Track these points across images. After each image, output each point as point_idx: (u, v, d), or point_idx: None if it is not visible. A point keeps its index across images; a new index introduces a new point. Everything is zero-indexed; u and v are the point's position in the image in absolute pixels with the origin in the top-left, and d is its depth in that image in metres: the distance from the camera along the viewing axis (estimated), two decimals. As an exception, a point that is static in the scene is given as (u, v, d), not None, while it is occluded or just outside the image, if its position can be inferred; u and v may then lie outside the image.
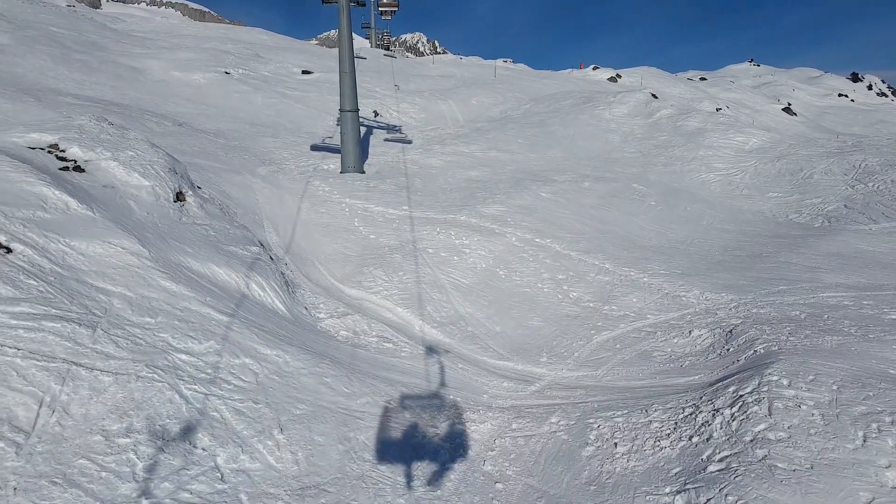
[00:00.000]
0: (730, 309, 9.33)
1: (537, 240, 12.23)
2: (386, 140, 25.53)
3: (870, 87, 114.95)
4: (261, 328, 7.47)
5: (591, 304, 9.91)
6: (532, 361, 8.42)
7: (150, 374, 5.67)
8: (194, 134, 17.62)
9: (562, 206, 14.44)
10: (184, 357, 6.14)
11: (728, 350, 7.92)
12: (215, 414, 5.68)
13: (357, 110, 16.97)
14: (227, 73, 26.27)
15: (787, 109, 74.00)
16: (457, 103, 33.18)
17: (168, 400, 5.51)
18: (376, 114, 28.51)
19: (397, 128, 27.28)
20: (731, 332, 8.45)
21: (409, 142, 29.25)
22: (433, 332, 9.11)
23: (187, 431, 5.35)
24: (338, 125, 17.61)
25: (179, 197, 9.63)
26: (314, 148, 17.22)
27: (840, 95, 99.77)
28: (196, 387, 5.85)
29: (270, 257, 10.31)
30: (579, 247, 12.08)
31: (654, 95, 25.72)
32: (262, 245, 10.15)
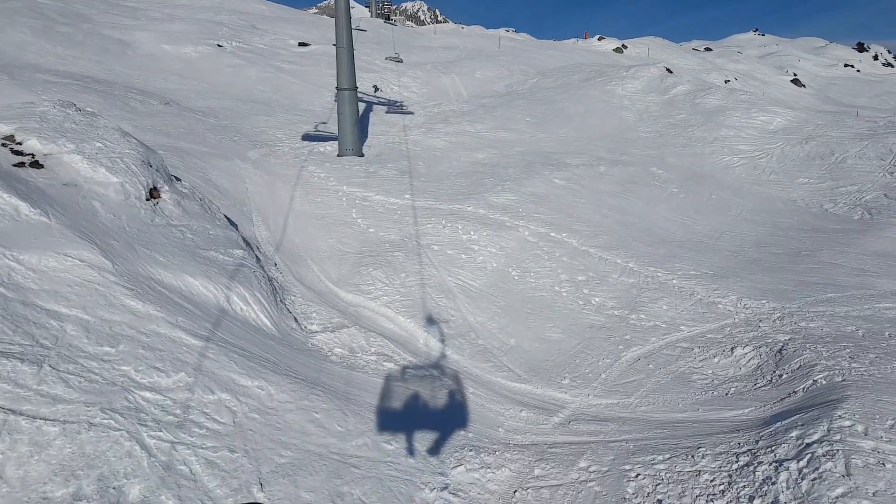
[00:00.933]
0: (774, 321, 8.19)
1: (552, 234, 11.04)
2: (388, 113, 24.12)
3: (875, 58, 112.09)
4: (241, 352, 6.36)
5: (616, 312, 8.78)
6: (553, 384, 7.33)
7: (105, 421, 4.57)
8: (182, 113, 16.28)
9: (577, 193, 13.20)
10: (148, 395, 5.03)
11: (780, 376, 6.82)
12: (183, 468, 4.60)
13: (355, 88, 15.60)
14: (219, 45, 24.69)
15: (796, 81, 71.86)
16: (460, 77, 31.58)
17: (126, 453, 4.42)
18: (376, 88, 27.01)
19: (398, 103, 25.80)
20: (780, 351, 7.33)
21: (411, 113, 27.89)
22: (440, 346, 8.01)
23: (148, 494, 4.30)
24: (335, 101, 16.27)
25: (153, 194, 8.42)
26: (306, 137, 15.83)
27: (846, 66, 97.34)
28: (161, 433, 4.75)
29: (258, 258, 9.15)
30: (599, 242, 10.90)
31: (668, 70, 24.16)
32: (247, 245, 8.98)
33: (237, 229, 10.12)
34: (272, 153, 14.90)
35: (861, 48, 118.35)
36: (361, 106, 24.07)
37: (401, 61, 38.71)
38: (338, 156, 15.71)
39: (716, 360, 7.53)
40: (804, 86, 69.98)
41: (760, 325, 8.17)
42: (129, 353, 5.36)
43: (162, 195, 8.56)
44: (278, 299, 8.17)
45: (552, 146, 17.50)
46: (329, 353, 7.43)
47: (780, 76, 74.22)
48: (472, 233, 10.82)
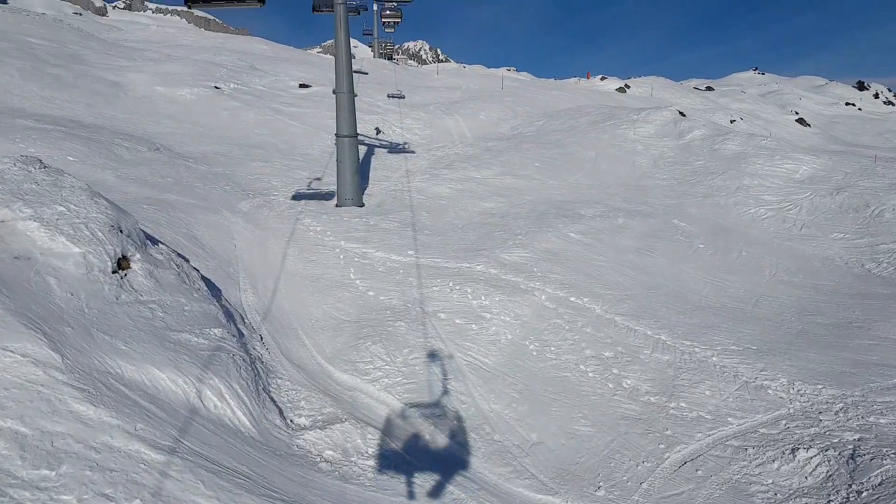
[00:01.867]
0: (836, 413, 7.09)
1: (572, 298, 10.02)
2: (390, 153, 23.39)
3: (876, 96, 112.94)
4: (212, 466, 5.25)
5: (652, 399, 7.68)
6: (586, 496, 6.19)
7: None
8: (171, 161, 15.48)
9: (595, 250, 12.23)
10: (89, 539, 3.94)
11: (859, 494, 5.69)
12: None
13: (356, 135, 14.83)
14: (217, 87, 24.16)
15: (801, 121, 72.00)
16: (464, 118, 31.08)
17: None
18: (378, 131, 26.42)
19: (401, 146, 25.17)
20: (852, 457, 6.21)
21: (413, 153, 27.35)
22: (449, 444, 6.89)
23: None
24: (335, 145, 15.45)
25: (122, 264, 7.43)
26: (298, 196, 14.69)
27: (847, 104, 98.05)
28: None
29: (240, 333, 8.12)
30: (625, 308, 9.86)
31: (681, 113, 23.52)
32: (229, 319, 7.95)
33: (220, 296, 9.12)
34: (266, 204, 14.01)
35: (861, 87, 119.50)
36: (362, 149, 23.40)
37: (403, 97, 38.50)
38: (336, 206, 14.83)
39: (775, 464, 6.40)
40: (809, 125, 70.12)
41: (821, 418, 7.06)
42: (72, 476, 4.25)
43: (132, 265, 7.57)
44: (261, 388, 7.09)
45: (564, 194, 16.63)
46: (318, 459, 6.31)
47: (785, 115, 74.51)
48: (482, 297, 9.80)
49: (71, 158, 13.33)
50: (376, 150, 23.43)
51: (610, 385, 7.93)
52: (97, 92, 20.40)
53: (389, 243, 12.38)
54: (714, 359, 8.49)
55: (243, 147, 19.62)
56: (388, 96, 34.32)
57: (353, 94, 14.57)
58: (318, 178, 14.88)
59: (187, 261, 9.97)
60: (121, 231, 7.83)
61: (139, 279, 7.50)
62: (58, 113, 17.44)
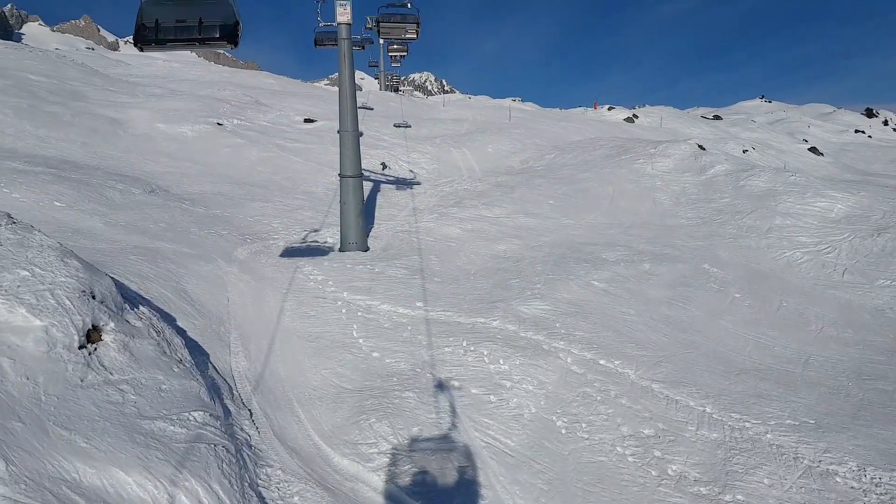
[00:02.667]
0: (927, 511, 6.01)
1: (602, 361, 9.02)
2: (396, 189, 22.70)
3: (885, 123, 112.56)
4: None
5: (703, 490, 6.62)
6: None
7: None
8: (166, 203, 14.73)
9: (623, 301, 11.26)
10: None
11: None
12: None
13: (360, 175, 14.05)
14: (219, 124, 23.66)
15: (814, 150, 71.43)
16: (472, 151, 30.47)
17: None
18: (384, 166, 25.77)
19: (408, 181, 24.49)
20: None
21: (419, 183, 26.71)
22: (468, 553, 5.86)
23: None
24: (339, 184, 14.65)
25: (92, 336, 6.53)
26: (289, 253, 13.07)
27: (857, 132, 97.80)
28: None
29: (226, 410, 7.17)
30: (662, 373, 8.84)
31: (700, 146, 22.73)
32: (214, 395, 7.00)
33: (207, 364, 8.20)
34: (264, 250, 13.18)
35: (870, 114, 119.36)
36: (367, 186, 22.70)
37: (409, 127, 38.19)
38: (339, 250, 13.98)
39: (864, 584, 5.32)
40: (822, 154, 69.48)
41: (909, 517, 5.99)
42: None
43: (103, 337, 6.66)
44: (246, 483, 6.09)
45: (582, 235, 15.73)
46: (312, 582, 5.30)
47: (797, 144, 73.97)
48: (500, 361, 8.82)
49: (58, 203, 12.61)
50: (382, 186, 22.72)
51: (653, 472, 6.88)
52: (95, 130, 19.87)
53: (396, 293, 11.46)
54: (769, 436, 7.44)
55: (244, 186, 18.93)
56: (395, 125, 34.60)
57: (357, 133, 13.84)
58: (316, 230, 13.94)
59: (174, 320, 9.10)
60: (93, 297, 6.94)
61: (111, 354, 6.58)
62: (51, 153, 16.84)
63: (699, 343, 10.22)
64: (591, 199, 18.83)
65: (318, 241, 14.52)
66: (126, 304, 7.68)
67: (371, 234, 15.77)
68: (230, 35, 6.48)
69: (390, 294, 11.39)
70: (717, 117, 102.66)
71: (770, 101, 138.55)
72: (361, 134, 14.32)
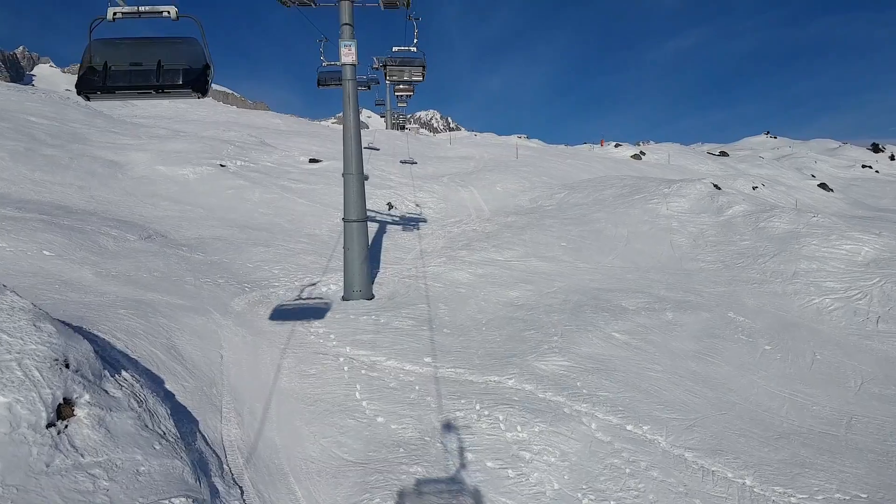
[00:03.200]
0: None
1: (629, 427, 8.26)
2: (403, 230, 22.23)
3: (892, 158, 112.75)
4: None
5: (756, 588, 5.79)
6: None
7: None
8: (162, 250, 14.23)
9: (647, 355, 10.53)
10: None
11: None
12: None
13: (365, 220, 13.54)
14: (222, 165, 23.40)
15: (823, 186, 71.17)
16: (479, 190, 30.12)
17: None
18: (390, 206, 25.37)
19: (414, 222, 24.05)
20: None
21: (424, 220, 26.31)
22: None
23: None
24: (343, 229, 14.10)
25: (63, 412, 5.88)
26: (279, 315, 11.61)
27: (863, 167, 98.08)
28: None
29: (213, 489, 6.45)
30: (695, 440, 8.06)
31: (716, 186, 22.21)
32: (199, 475, 6.29)
33: (195, 435, 7.50)
34: (263, 300, 12.58)
35: (876, 149, 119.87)
36: (373, 227, 22.23)
37: (415, 163, 38.11)
38: (343, 299, 13.37)
39: None
40: (832, 190, 69.14)
41: None
42: None
43: (76, 411, 6.01)
44: (231, 587, 5.35)
45: (598, 280, 15.07)
46: None
47: (806, 180, 73.77)
48: (518, 428, 8.07)
49: (47, 253, 12.11)
50: (388, 227, 22.25)
51: (697, 565, 6.07)
52: (93, 173, 19.58)
53: (403, 347, 10.78)
54: (823, 518, 6.62)
55: (245, 229, 18.46)
56: (401, 162, 34.62)
57: (362, 176, 13.39)
58: (313, 285, 13.13)
59: (162, 383, 8.44)
60: (66, 366, 6.31)
61: (83, 432, 5.91)
62: (46, 198, 16.47)
63: (732, 403, 9.43)
64: (606, 241, 18.22)
65: (320, 289, 13.92)
66: (106, 371, 7.03)
67: (376, 279, 15.19)
68: (197, 82, 5.22)
69: (396, 348, 10.71)
70: (723, 153, 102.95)
71: (775, 137, 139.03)
72: (367, 177, 13.87)
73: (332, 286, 14.24)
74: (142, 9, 4.91)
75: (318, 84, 13.91)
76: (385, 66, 13.11)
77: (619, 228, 19.03)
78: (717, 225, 18.80)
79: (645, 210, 20.42)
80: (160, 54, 5.10)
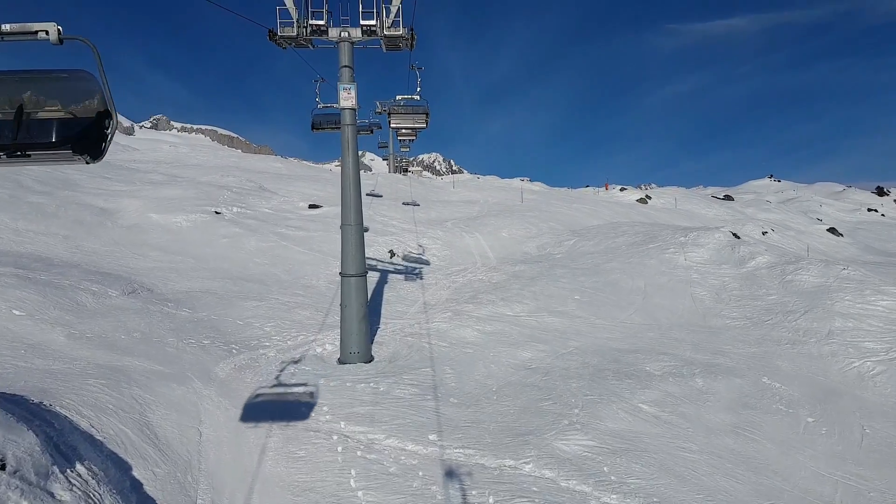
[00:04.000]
0: None
1: (667, 527, 7.12)
2: (405, 279, 21.33)
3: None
4: None
5: None
6: None
7: None
8: (145, 307, 13.30)
9: (680, 432, 9.42)
10: None
11: None
12: None
13: (364, 274, 12.64)
14: (217, 212, 22.70)
15: (833, 230, 70.58)
16: (485, 236, 29.32)
17: None
18: (392, 254, 24.51)
19: (417, 271, 23.17)
20: None
21: (428, 263, 25.36)
22: None
23: None
24: (340, 284, 13.13)
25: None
26: (278, 369, 11.08)
27: (869, 210, 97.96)
28: None
29: None
30: (747, 544, 6.92)
31: (735, 235, 21.34)
32: None
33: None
34: (250, 364, 11.57)
35: (881, 192, 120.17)
36: (374, 277, 21.33)
37: (417, 205, 37.67)
38: (339, 362, 12.35)
39: None
40: (841, 235, 68.50)
41: None
42: None
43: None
44: None
45: (617, 339, 14.03)
46: None
47: (815, 225, 73.26)
48: (540, 528, 6.95)
49: (17, 312, 11.19)
50: (390, 277, 21.35)
51: None
52: (80, 221, 18.84)
53: (404, 422, 9.70)
54: None
55: (238, 281, 17.56)
56: (403, 203, 34.39)
57: (361, 227, 12.55)
58: (296, 361, 11.91)
59: (129, 469, 7.40)
60: (2, 467, 5.32)
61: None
62: (27, 249, 15.66)
63: (778, 489, 8.29)
64: (622, 294, 17.24)
65: (314, 350, 12.92)
66: (55, 467, 6.00)
67: (376, 337, 14.19)
68: (84, 138, 3.30)
69: (397, 423, 9.63)
70: (727, 197, 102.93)
71: (779, 181, 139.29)
72: (366, 229, 13.04)
73: (327, 346, 13.24)
74: (5, 27, 3.15)
75: (313, 128, 13.16)
76: (389, 113, 13.09)
77: (636, 280, 18.08)
78: (740, 277, 17.84)
79: (662, 260, 19.52)
80: (26, 95, 3.26)
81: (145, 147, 58.51)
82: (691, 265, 19.03)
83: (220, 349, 12.00)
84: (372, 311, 16.68)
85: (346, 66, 11.41)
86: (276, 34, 11.01)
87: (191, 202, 22.93)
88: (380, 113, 46.63)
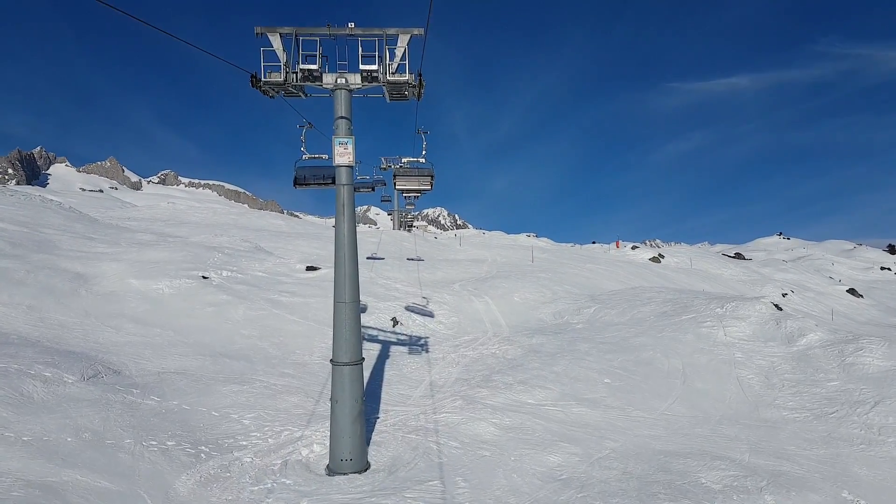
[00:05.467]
0: None
1: None
2: (409, 353, 19.41)
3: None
4: None
5: None
6: None
7: None
8: (104, 396, 11.41)
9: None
10: None
11: None
12: None
13: (360, 361, 10.76)
14: (204, 277, 21.02)
15: (852, 291, 68.62)
16: (495, 300, 27.45)
17: None
18: (395, 322, 22.64)
19: (423, 342, 21.27)
20: None
21: (431, 315, 23.47)
22: None
23: None
24: (331, 373, 11.25)
25: None
26: (251, 483, 9.29)
27: (882, 269, 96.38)
28: None
29: None
30: None
31: (776, 306, 19.40)
32: None
33: None
34: (220, 475, 9.57)
35: (892, 250, 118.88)
36: (374, 350, 19.42)
37: (422, 261, 36.14)
38: (327, 470, 10.32)
39: None
40: (861, 296, 66.51)
41: None
42: None
43: None
44: None
45: (661, 438, 11.97)
46: None
47: (834, 286, 71.45)
48: None
49: None
50: (392, 350, 19.43)
51: None
52: (50, 289, 17.16)
53: (408, 566, 7.65)
54: None
55: (220, 359, 15.68)
56: (408, 259, 33.50)
57: (357, 305, 10.76)
58: (301, 431, 9.67)
59: None
60: None
61: None
62: (-19, 322, 13.94)
63: None
64: (658, 376, 15.23)
65: (300, 453, 10.91)
66: None
67: (374, 434, 12.16)
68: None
69: (399, 567, 7.58)
70: (738, 255, 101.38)
71: (788, 238, 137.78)
72: (364, 309, 11.26)
73: (315, 447, 11.22)
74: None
75: (296, 184, 11.10)
76: (394, 175, 12.87)
77: (672, 360, 16.10)
78: (790, 358, 15.84)
79: (699, 335, 17.55)
80: None
81: (145, 203, 57.75)
82: (732, 342, 17.04)
83: (186, 453, 10.03)
84: (370, 396, 14.72)
85: (342, 118, 9.91)
86: (261, 80, 9.57)
87: (176, 266, 21.29)
88: (385, 169, 45.67)
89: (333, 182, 10.43)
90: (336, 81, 9.90)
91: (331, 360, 10.77)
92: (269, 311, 19.92)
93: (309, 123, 11.06)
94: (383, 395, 14.78)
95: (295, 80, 9.77)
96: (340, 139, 10.06)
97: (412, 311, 23.36)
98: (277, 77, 9.62)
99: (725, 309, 18.97)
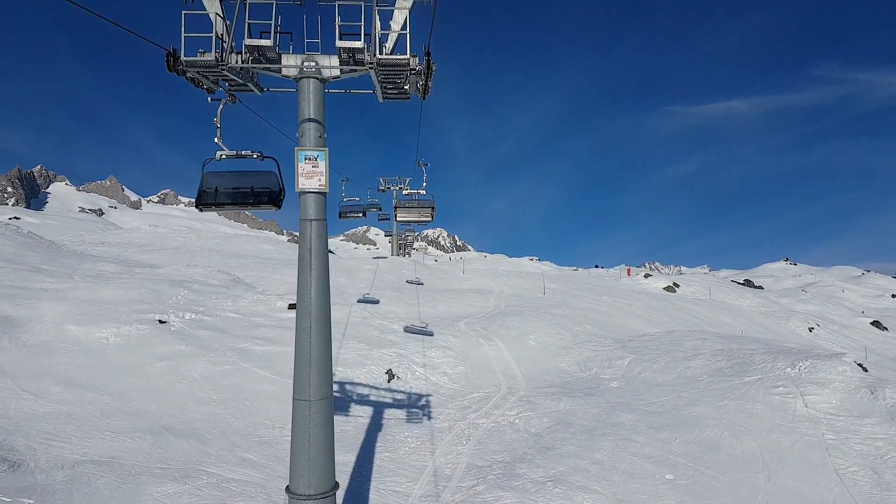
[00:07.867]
0: None
1: None
2: (407, 419, 15.94)
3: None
4: None
5: None
6: None
7: None
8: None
9: None
10: None
11: None
12: None
13: (334, 490, 7.24)
14: (161, 322, 17.51)
15: (877, 324, 65.26)
16: (507, 343, 23.87)
17: None
18: (391, 376, 19.12)
19: (424, 402, 17.79)
20: None
21: (431, 334, 21.17)
22: None
23: None
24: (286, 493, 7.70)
25: None
26: None
27: (893, 296, 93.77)
28: None
29: None
30: None
31: (862, 367, 15.78)
32: None
33: None
34: None
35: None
36: (365, 415, 15.93)
37: (421, 284, 33.03)
38: None
39: None
40: (886, 328, 63.21)
41: None
42: None
43: None
44: None
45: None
46: None
47: (857, 317, 68.26)
48: None
49: None
50: (386, 416, 15.90)
51: None
52: (-42, 341, 13.69)
53: None
54: None
55: (164, 435, 12.14)
56: (407, 282, 32.32)
57: (330, 403, 7.28)
58: None
59: None
60: None
61: None
62: None
63: None
64: (733, 468, 11.65)
65: None
66: None
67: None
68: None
69: None
70: (748, 282, 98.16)
71: (795, 264, 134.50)
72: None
73: None
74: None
75: (199, 203, 6.94)
76: (395, 207, 13.37)
77: (745, 442, 12.54)
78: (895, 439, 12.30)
79: (772, 405, 13.99)
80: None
81: (138, 223, 54.43)
82: (817, 416, 13.49)
83: None
84: (354, 494, 11.20)
85: (310, 121, 6.48)
86: (181, 60, 6.14)
87: (129, 307, 17.79)
88: (383, 191, 42.18)
89: (269, 203, 6.94)
90: (302, 66, 6.50)
91: (286, 490, 7.22)
92: (235, 364, 16.38)
93: (231, 95, 7.24)
94: (372, 496, 11.22)
95: (238, 63, 6.38)
96: (307, 152, 6.65)
97: (411, 332, 21.05)
98: (207, 57, 6.21)
99: (798, 369, 15.39)
